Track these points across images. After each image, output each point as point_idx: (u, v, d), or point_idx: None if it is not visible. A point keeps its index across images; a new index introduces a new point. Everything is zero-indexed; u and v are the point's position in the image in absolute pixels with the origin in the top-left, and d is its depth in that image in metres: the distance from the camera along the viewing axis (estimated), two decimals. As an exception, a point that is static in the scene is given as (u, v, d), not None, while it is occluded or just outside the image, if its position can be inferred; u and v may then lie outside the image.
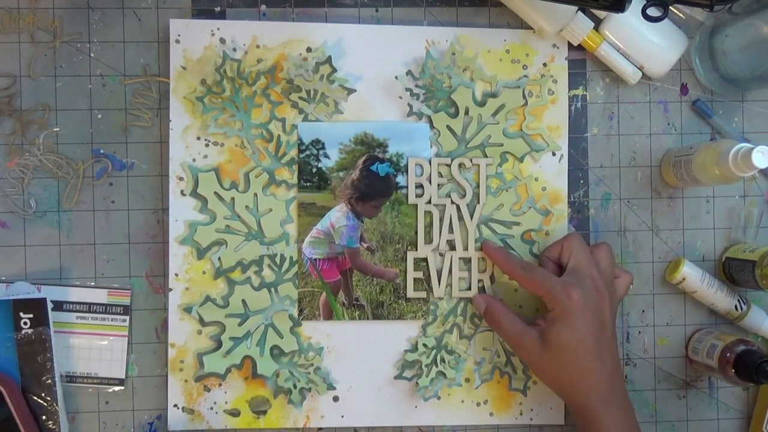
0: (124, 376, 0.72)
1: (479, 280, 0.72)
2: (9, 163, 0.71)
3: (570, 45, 0.73)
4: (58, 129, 0.71)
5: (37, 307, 0.69)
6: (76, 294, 0.71)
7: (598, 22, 0.73)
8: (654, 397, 0.76)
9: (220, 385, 0.72)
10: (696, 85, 0.76)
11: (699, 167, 0.69)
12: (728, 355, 0.70)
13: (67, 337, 0.71)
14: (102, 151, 0.72)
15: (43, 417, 0.69)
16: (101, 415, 0.72)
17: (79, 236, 0.72)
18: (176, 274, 0.71)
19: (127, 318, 0.71)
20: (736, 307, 0.74)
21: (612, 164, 0.75)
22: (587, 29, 0.72)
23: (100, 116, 0.72)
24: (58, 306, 0.71)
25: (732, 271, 0.74)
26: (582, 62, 0.75)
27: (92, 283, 0.72)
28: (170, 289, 0.71)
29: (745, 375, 0.68)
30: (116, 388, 0.72)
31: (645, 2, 0.62)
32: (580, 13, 0.72)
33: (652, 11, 0.63)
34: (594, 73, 0.75)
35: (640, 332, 0.76)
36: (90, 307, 0.71)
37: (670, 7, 0.69)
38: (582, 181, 0.75)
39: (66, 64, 0.71)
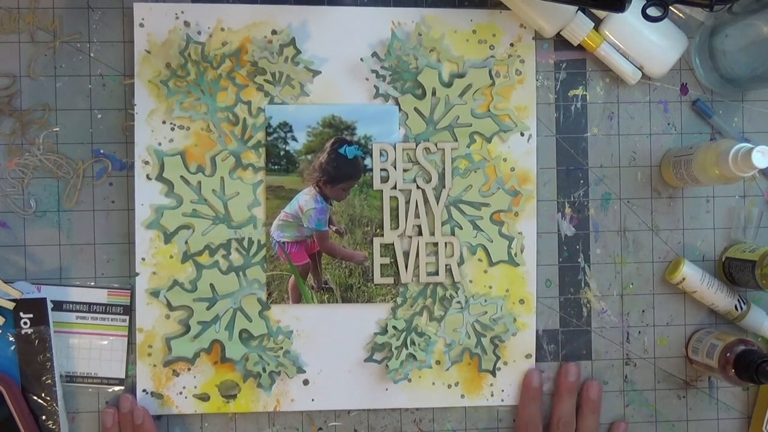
0: (124, 376, 0.72)
1: (446, 265, 0.73)
2: (9, 163, 0.71)
3: (570, 45, 0.73)
4: (57, 129, 0.71)
5: (37, 307, 0.69)
6: (76, 294, 0.71)
7: (598, 22, 0.73)
8: (654, 397, 0.76)
9: (189, 369, 0.72)
10: (696, 85, 0.76)
11: (699, 167, 0.69)
12: (728, 355, 0.70)
13: (67, 337, 0.71)
14: (102, 151, 0.72)
15: (43, 417, 0.69)
16: (101, 415, 0.72)
17: (79, 236, 0.72)
18: (143, 259, 0.71)
19: (127, 318, 0.71)
20: (736, 307, 0.74)
21: (612, 164, 0.75)
22: (587, 29, 0.72)
23: (100, 116, 0.72)
24: (58, 306, 0.71)
25: (732, 271, 0.74)
26: (582, 62, 0.75)
27: (92, 283, 0.72)
28: (137, 274, 0.71)
29: (745, 375, 0.68)
30: (116, 388, 0.72)
31: (645, 2, 0.62)
32: (580, 12, 0.72)
33: (652, 11, 0.63)
34: (594, 73, 0.75)
35: (640, 332, 0.76)
36: (90, 307, 0.71)
37: (670, 7, 0.69)
38: (582, 181, 0.75)
39: (66, 64, 0.71)
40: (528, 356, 0.74)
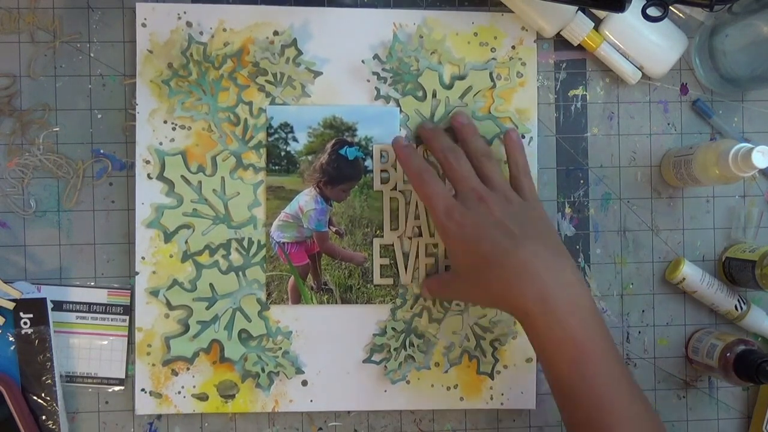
0: (124, 376, 0.72)
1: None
2: (9, 163, 0.71)
3: (570, 45, 0.73)
4: (57, 129, 0.71)
5: (37, 307, 0.69)
6: (76, 294, 0.71)
7: (598, 22, 0.73)
8: (654, 397, 0.76)
9: (187, 369, 0.71)
10: (696, 85, 0.76)
11: (699, 167, 0.69)
12: (728, 355, 0.70)
13: (67, 337, 0.71)
14: (102, 151, 0.72)
15: (43, 417, 0.69)
16: (101, 415, 0.72)
17: (79, 236, 0.72)
18: (143, 258, 0.71)
19: (127, 318, 0.71)
20: (736, 307, 0.74)
21: (612, 164, 0.75)
22: (587, 29, 0.72)
23: (100, 116, 0.72)
24: (58, 306, 0.71)
25: (732, 271, 0.74)
26: (582, 62, 0.75)
27: (92, 283, 0.72)
28: (137, 273, 0.71)
29: (745, 375, 0.68)
30: (116, 388, 0.72)
31: (645, 2, 0.62)
32: (580, 13, 0.72)
33: (652, 11, 0.63)
34: (594, 73, 0.75)
35: (640, 332, 0.76)
36: (90, 307, 0.71)
37: (670, 7, 0.69)
38: (582, 181, 0.75)
39: (66, 64, 0.71)
40: (529, 360, 0.74)
